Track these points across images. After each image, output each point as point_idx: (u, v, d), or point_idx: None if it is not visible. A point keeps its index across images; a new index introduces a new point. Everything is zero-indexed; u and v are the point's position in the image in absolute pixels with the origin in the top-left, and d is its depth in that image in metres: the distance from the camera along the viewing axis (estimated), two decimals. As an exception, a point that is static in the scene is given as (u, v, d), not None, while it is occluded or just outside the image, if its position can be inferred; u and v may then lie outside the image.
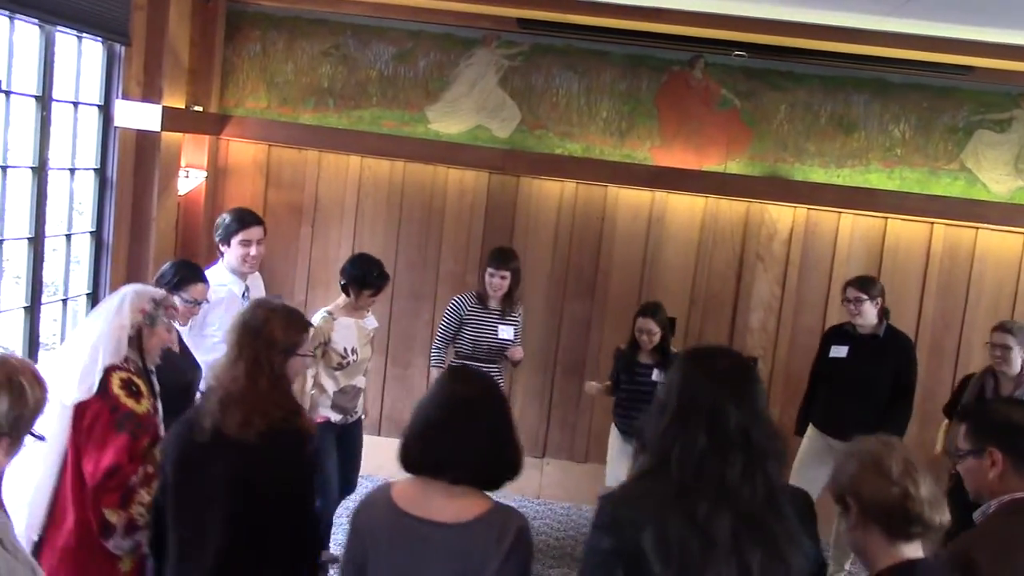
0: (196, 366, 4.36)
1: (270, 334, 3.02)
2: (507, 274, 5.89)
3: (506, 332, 5.95)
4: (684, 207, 6.82)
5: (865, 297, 5.60)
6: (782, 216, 6.77)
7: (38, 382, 2.27)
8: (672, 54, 6.69)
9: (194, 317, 4.51)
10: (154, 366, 3.51)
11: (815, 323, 6.70)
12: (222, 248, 5.15)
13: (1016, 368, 5.21)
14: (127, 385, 3.28)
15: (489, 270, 5.91)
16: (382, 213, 6.98)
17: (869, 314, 5.62)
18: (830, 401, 5.73)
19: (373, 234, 6.98)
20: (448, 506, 2.48)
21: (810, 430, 5.86)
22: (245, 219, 5.16)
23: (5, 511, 2.23)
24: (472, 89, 6.85)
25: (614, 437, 6.12)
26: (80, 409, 3.24)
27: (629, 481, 2.46)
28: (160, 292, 3.61)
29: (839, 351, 5.72)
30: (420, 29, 6.80)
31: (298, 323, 3.17)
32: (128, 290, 3.50)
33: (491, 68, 6.82)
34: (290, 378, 3.11)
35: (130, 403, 3.25)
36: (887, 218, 6.67)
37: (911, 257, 6.70)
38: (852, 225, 6.72)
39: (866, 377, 5.58)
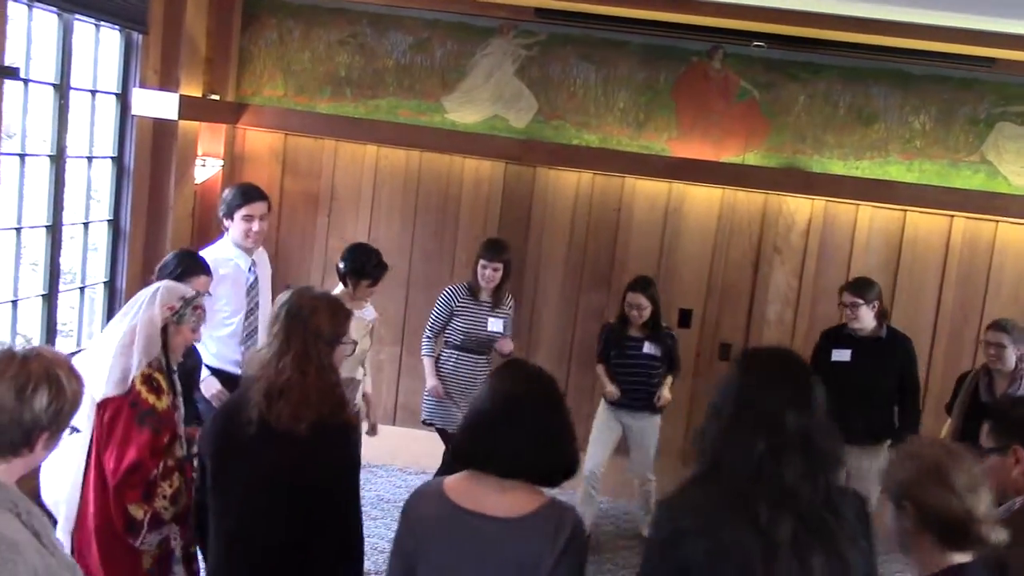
0: (195, 353, 4.37)
1: (317, 325, 2.97)
2: (500, 266, 5.83)
3: (495, 325, 5.91)
4: (701, 198, 6.79)
5: (861, 302, 5.55)
6: (800, 208, 6.73)
7: (74, 375, 2.25)
8: (691, 44, 6.64)
9: None
10: (177, 364, 3.50)
11: (832, 316, 6.64)
12: (226, 223, 5.15)
13: (1011, 365, 5.21)
14: (148, 381, 3.28)
15: (482, 262, 5.84)
16: (398, 203, 6.97)
17: (866, 318, 5.57)
18: (833, 405, 5.63)
19: (389, 223, 6.97)
20: (501, 501, 2.46)
21: None
22: (248, 194, 5.15)
23: (45, 508, 2.22)
24: (489, 79, 6.82)
25: (601, 412, 6.10)
26: (101, 404, 3.24)
27: (686, 488, 2.43)
28: (190, 291, 3.58)
29: (842, 355, 5.62)
30: (437, 18, 6.78)
31: (341, 312, 3.13)
32: (159, 286, 3.49)
33: (508, 58, 6.80)
34: (335, 368, 3.06)
35: (151, 399, 3.25)
36: (906, 210, 6.63)
37: (930, 250, 6.65)
38: (871, 217, 6.68)
39: (872, 381, 5.52)
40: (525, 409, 2.48)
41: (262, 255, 5.38)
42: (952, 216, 6.59)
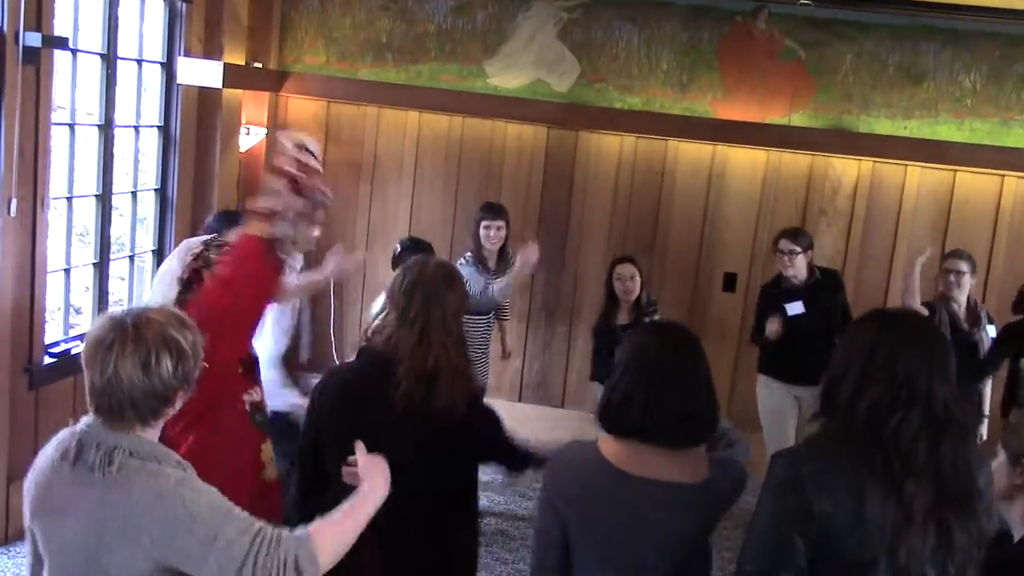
0: None
1: (452, 299, 2.81)
2: (502, 224, 5.61)
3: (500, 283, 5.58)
4: (746, 161, 6.71)
5: (799, 250, 5.50)
6: (847, 169, 6.63)
7: (186, 325, 2.19)
8: (735, 4, 6.54)
9: None
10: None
11: (880, 279, 6.59)
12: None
13: (965, 294, 5.44)
14: None
15: (484, 223, 5.59)
16: (440, 169, 6.96)
17: (801, 267, 5.53)
18: (789, 351, 5.52)
19: (432, 190, 6.97)
20: (673, 466, 2.35)
21: (768, 381, 5.71)
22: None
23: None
24: (530, 42, 6.77)
25: None
26: None
27: (808, 441, 2.39)
28: (207, 236, 3.63)
29: (795, 308, 5.53)
30: (478, -18, 6.73)
31: (463, 282, 2.97)
32: (175, 249, 3.57)
33: (550, 21, 6.73)
34: (465, 341, 2.89)
35: None
36: (956, 171, 6.51)
37: (980, 211, 6.53)
38: (919, 178, 6.57)
39: (823, 322, 5.46)
40: (688, 372, 2.37)
41: None
42: (1003, 176, 6.47)
